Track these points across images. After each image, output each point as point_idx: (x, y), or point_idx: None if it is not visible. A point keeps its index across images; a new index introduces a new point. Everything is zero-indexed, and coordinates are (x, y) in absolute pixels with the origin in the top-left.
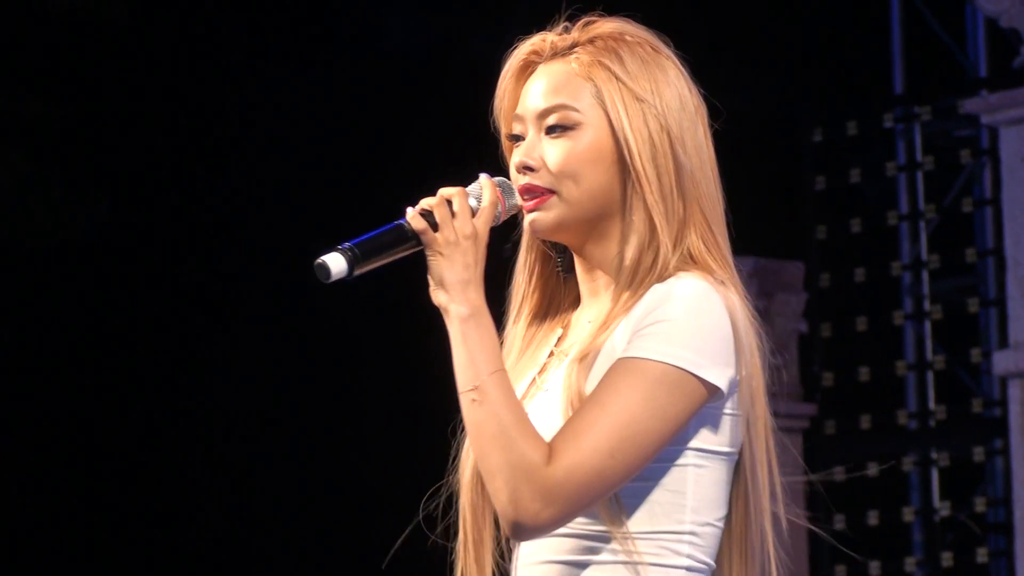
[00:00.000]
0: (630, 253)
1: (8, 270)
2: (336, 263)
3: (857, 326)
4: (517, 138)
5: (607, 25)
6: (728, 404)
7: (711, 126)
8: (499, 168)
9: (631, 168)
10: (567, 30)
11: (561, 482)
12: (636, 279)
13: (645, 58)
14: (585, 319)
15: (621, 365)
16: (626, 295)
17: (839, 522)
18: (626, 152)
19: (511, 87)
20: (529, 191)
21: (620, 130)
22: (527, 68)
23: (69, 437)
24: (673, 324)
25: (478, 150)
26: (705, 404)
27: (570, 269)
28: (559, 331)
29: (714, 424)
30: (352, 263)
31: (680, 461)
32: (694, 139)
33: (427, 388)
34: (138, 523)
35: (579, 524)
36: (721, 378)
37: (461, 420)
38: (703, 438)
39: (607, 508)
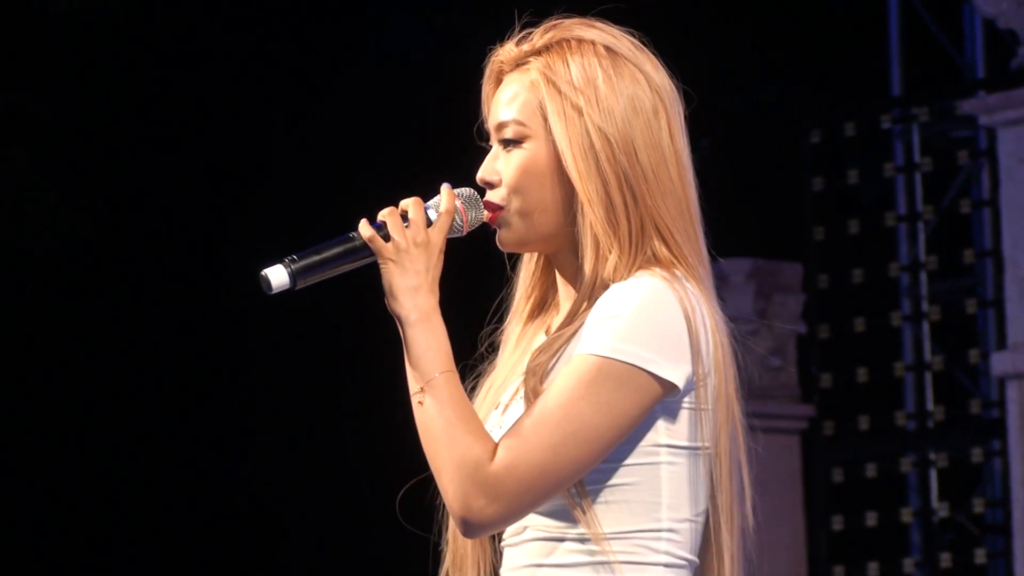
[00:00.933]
0: (585, 264)
1: (4, 271)
2: (277, 275)
3: (855, 327)
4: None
5: (563, 30)
6: (687, 399)
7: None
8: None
9: (575, 180)
10: (528, 36)
11: (503, 478)
12: (593, 288)
13: (594, 63)
14: (556, 324)
15: (569, 363)
16: (584, 304)
17: (837, 523)
18: (566, 164)
19: (488, 96)
20: (487, 206)
21: (559, 143)
22: (501, 75)
23: (67, 437)
24: (621, 320)
25: (477, 151)
26: (660, 400)
27: None
28: (542, 336)
29: (678, 419)
30: (294, 276)
31: (651, 459)
32: (648, 140)
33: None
34: (133, 523)
35: (558, 527)
36: (674, 373)
37: None
38: (671, 434)
39: (583, 510)
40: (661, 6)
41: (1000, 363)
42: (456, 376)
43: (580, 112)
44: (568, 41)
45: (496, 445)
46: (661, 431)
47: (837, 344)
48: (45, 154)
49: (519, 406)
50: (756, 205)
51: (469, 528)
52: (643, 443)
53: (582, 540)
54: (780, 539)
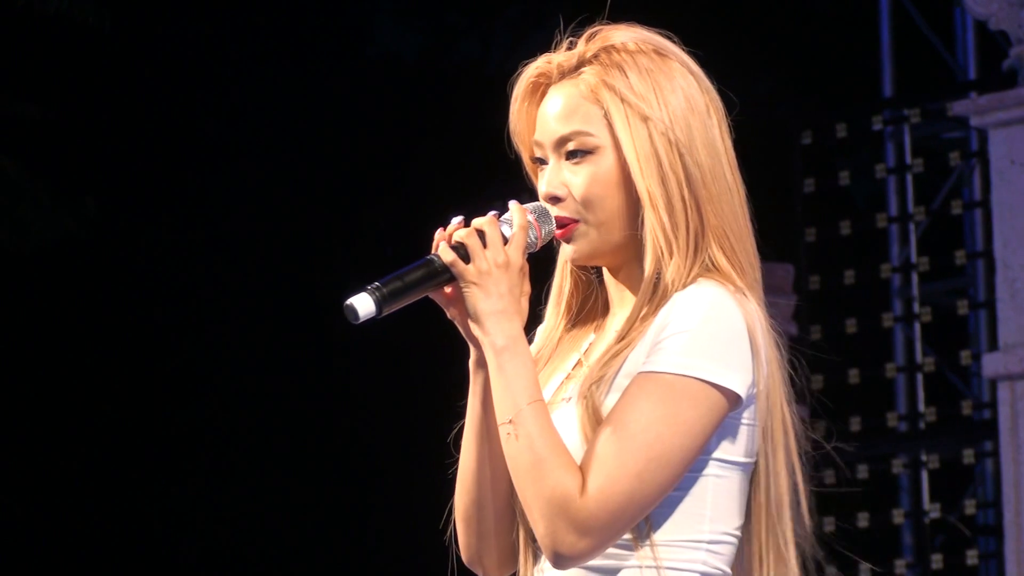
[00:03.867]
0: (648, 269)
1: None
2: (363, 304)
3: (847, 328)
4: (541, 161)
5: (611, 36)
6: (746, 414)
7: (729, 118)
8: (513, 183)
9: (639, 189)
10: (572, 45)
11: (595, 512)
12: (654, 294)
13: (650, 67)
14: (612, 329)
15: (640, 381)
16: (645, 310)
17: (828, 524)
18: (633, 174)
19: (524, 109)
20: (559, 221)
21: (626, 152)
22: (537, 89)
23: (63, 438)
24: (689, 335)
25: (469, 151)
26: (729, 412)
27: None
28: (591, 336)
29: (732, 434)
30: (380, 303)
31: (700, 471)
32: (705, 139)
33: (428, 392)
34: (125, 524)
35: None
36: (740, 385)
37: (460, 432)
38: (722, 448)
39: None
40: (649, 8)
41: (992, 364)
42: (544, 405)
43: (646, 120)
44: (616, 48)
45: (584, 477)
46: (713, 444)
47: (828, 345)
48: (35, 156)
49: (556, 415)
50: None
51: (562, 561)
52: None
53: (625, 546)
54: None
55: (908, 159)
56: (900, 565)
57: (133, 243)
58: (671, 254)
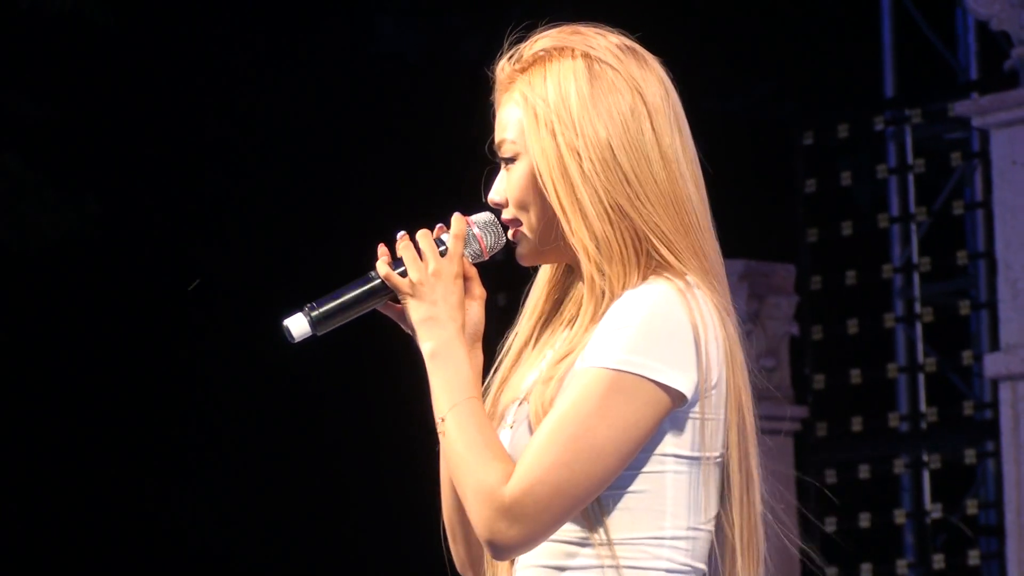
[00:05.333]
0: (585, 274)
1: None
2: (298, 325)
3: (848, 329)
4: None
5: (544, 41)
6: (695, 409)
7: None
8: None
9: (551, 196)
10: (517, 51)
11: (520, 500)
12: (598, 299)
13: (570, 74)
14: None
15: (578, 375)
16: (590, 308)
17: (830, 524)
18: (543, 181)
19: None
20: (505, 224)
21: (535, 163)
22: (501, 94)
23: (64, 437)
24: (628, 330)
25: (469, 152)
26: (671, 410)
27: None
28: (565, 334)
29: (685, 429)
30: (314, 324)
31: (655, 468)
32: (626, 143)
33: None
34: (125, 525)
35: (567, 531)
36: (683, 382)
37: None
38: (676, 443)
39: (587, 515)
40: (652, 9)
41: (993, 365)
42: (477, 402)
43: (553, 132)
44: (549, 53)
45: (513, 467)
46: (668, 440)
47: (830, 345)
48: (38, 154)
49: (522, 411)
50: (749, 207)
51: (496, 552)
52: (649, 452)
53: (589, 544)
54: (772, 541)
55: (910, 159)
56: (902, 565)
57: (136, 242)
58: (607, 259)
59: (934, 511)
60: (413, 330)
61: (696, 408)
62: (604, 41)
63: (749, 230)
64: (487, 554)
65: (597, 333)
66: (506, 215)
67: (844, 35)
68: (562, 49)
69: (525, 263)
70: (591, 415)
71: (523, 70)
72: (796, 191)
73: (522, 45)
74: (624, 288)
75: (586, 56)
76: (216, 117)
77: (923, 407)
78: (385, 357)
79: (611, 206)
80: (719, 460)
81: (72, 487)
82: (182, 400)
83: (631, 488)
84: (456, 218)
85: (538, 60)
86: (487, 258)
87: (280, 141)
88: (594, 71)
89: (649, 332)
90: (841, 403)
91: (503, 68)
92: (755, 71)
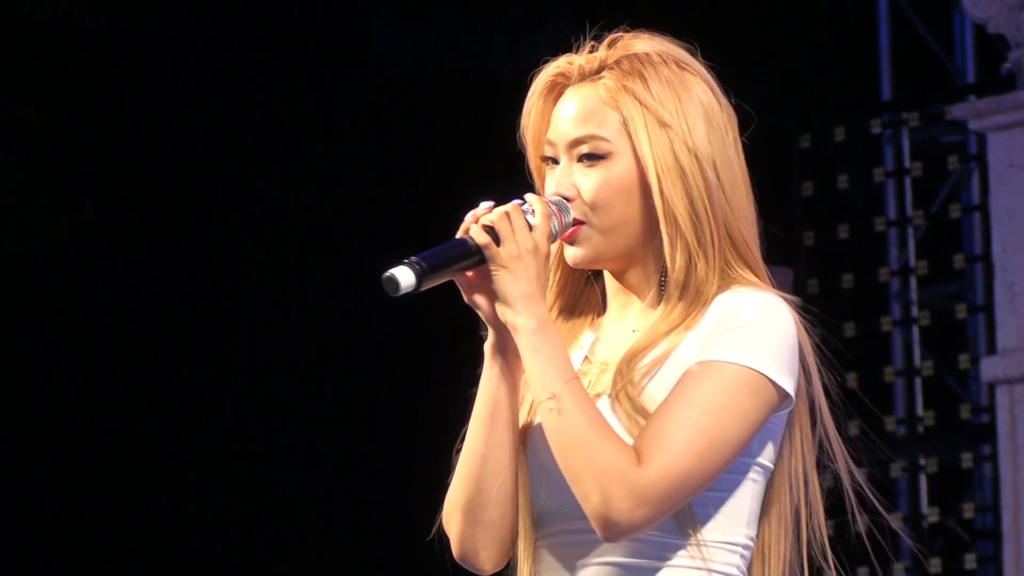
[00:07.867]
0: (675, 276)
1: None
2: (405, 276)
3: (845, 332)
4: (551, 160)
5: (634, 43)
6: (782, 418)
7: (741, 133)
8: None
9: (659, 198)
10: (594, 49)
11: (654, 482)
12: (686, 295)
13: (671, 78)
14: (629, 327)
15: (702, 369)
16: (679, 308)
17: (827, 528)
18: (653, 182)
19: (539, 107)
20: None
21: (645, 160)
22: (554, 88)
23: (62, 440)
24: (751, 330)
25: (466, 154)
26: (775, 411)
27: (598, 275)
28: (588, 334)
29: (770, 437)
30: (420, 276)
31: (743, 473)
32: (723, 154)
33: (429, 394)
34: (125, 528)
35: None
36: (790, 386)
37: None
38: (761, 451)
39: (679, 514)
40: (646, 12)
41: (990, 368)
42: (580, 383)
43: (667, 129)
44: (638, 56)
45: (636, 450)
46: (755, 446)
47: (826, 349)
48: (34, 157)
49: (602, 405)
50: None
51: (614, 531)
52: (739, 456)
53: (670, 545)
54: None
55: (907, 163)
56: (898, 569)
57: (133, 245)
58: (703, 261)
59: (931, 515)
60: (508, 303)
61: (779, 417)
62: (688, 54)
63: None
64: (526, 555)
65: (711, 331)
66: (573, 211)
67: (841, 38)
68: (649, 54)
69: (581, 265)
70: (722, 408)
71: (610, 68)
72: (792, 194)
73: (597, 44)
74: (712, 292)
75: (680, 66)
76: (211, 121)
77: (920, 411)
78: (385, 357)
79: (711, 212)
80: (792, 472)
81: (69, 490)
82: (180, 403)
83: (721, 491)
84: (538, 200)
85: (628, 60)
86: (555, 240)
87: (275, 145)
88: (693, 82)
89: (771, 335)
90: (837, 407)
91: (576, 63)
92: (751, 74)
